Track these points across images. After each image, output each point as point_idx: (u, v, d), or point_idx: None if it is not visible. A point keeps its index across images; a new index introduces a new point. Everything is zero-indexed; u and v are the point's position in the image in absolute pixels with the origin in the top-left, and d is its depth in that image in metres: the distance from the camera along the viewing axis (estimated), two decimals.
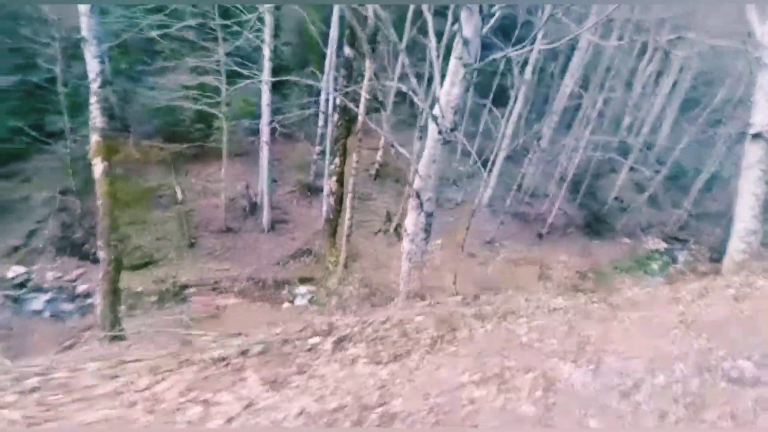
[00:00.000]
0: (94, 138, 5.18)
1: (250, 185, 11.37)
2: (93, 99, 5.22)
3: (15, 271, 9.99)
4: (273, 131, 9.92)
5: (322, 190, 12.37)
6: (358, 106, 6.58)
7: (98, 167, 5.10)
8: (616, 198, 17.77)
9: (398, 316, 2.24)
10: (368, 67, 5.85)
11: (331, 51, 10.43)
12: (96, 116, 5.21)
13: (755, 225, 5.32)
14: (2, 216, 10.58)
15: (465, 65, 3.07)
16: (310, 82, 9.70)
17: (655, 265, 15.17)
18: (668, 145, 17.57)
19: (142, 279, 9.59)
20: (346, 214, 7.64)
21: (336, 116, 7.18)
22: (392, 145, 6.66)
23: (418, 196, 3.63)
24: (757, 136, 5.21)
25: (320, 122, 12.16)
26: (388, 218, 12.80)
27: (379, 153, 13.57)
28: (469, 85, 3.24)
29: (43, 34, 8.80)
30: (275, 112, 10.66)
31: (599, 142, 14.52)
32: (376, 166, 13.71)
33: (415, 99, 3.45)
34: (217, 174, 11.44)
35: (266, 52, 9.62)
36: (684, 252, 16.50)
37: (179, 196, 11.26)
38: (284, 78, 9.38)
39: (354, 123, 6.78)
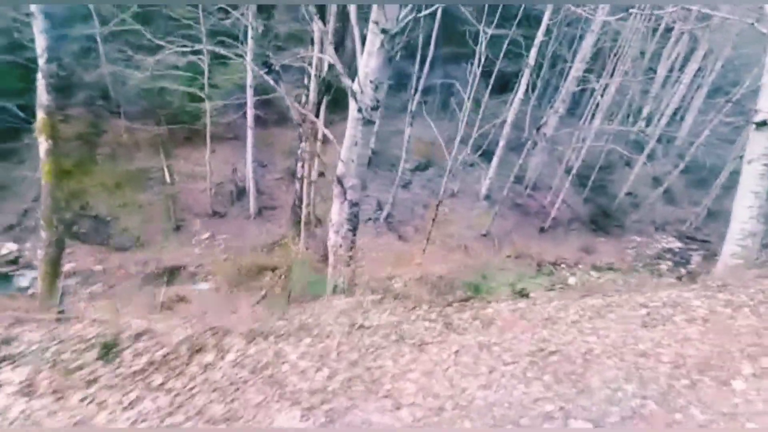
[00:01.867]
0: (40, 115, 5.03)
1: (238, 169, 11.20)
2: (39, 75, 5.05)
3: (8, 248, 10.28)
4: (257, 115, 9.63)
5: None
6: (325, 84, 6.20)
7: (43, 146, 4.95)
8: (629, 193, 16.71)
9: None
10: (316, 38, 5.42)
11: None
12: (41, 93, 5.04)
13: (754, 226, 4.68)
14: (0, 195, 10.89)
15: (382, 31, 2.63)
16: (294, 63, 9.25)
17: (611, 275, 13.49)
18: (690, 138, 16.30)
19: (123, 261, 9.66)
20: (305, 201, 7.31)
21: (310, 91, 6.76)
22: (310, 126, 6.24)
23: (340, 182, 3.25)
24: (762, 124, 4.52)
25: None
26: (378, 207, 12.44)
27: (372, 139, 13.10)
28: (390, 56, 2.80)
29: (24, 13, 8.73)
30: (263, 93, 10.37)
31: (610, 133, 13.56)
32: (369, 152, 13.26)
33: (339, 72, 3.04)
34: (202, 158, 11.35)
35: (249, 30, 9.29)
36: (700, 252, 15.42)
37: (167, 179, 11.25)
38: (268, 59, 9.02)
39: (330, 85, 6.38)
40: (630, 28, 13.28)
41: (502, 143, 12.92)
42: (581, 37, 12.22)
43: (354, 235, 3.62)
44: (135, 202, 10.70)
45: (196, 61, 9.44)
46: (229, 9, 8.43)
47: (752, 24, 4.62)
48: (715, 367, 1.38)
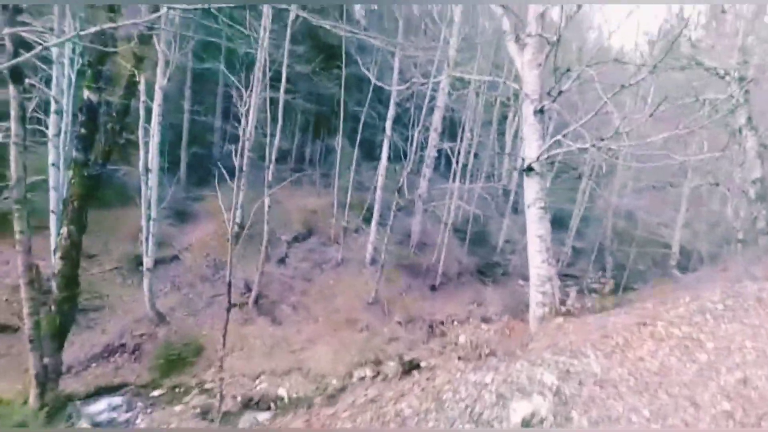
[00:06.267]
0: None
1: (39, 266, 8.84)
2: None
3: None
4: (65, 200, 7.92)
5: (157, 263, 10.27)
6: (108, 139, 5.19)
7: None
8: (507, 241, 18.17)
9: None
10: None
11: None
12: None
13: (547, 270, 4.68)
14: None
15: None
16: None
17: None
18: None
19: None
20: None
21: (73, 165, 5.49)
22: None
23: None
24: (529, 170, 4.83)
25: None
26: (247, 289, 10.92)
27: (237, 213, 12.03)
28: None
29: None
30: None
31: (473, 189, 14.82)
32: (235, 228, 12.04)
33: None
34: (9, 252, 8.84)
35: (53, 104, 8.08)
36: (574, 288, 16.90)
37: None
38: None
39: (98, 178, 5.28)
40: (470, 103, 15.52)
41: (377, 207, 13.03)
42: (431, 110, 13.72)
43: None
44: None
45: None
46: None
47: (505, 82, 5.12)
48: None
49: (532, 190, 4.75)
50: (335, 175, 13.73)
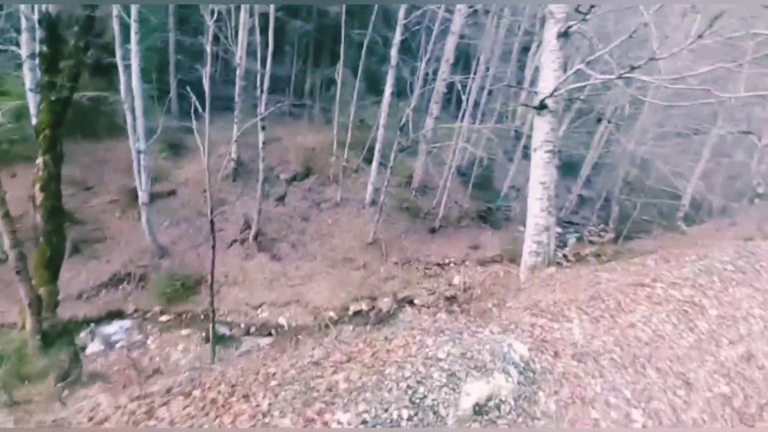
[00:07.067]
0: None
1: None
2: None
3: None
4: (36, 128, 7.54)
5: (155, 197, 10.20)
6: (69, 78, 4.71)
7: None
8: (512, 186, 17.67)
9: None
10: None
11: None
12: None
13: (546, 220, 4.39)
14: None
15: None
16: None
17: None
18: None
19: None
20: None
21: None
22: None
23: None
24: (542, 107, 4.27)
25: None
26: (247, 225, 10.96)
27: (233, 148, 11.60)
28: None
29: None
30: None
31: (481, 131, 13.94)
32: (232, 164, 11.74)
33: None
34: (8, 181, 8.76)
35: (23, 20, 7.28)
36: (575, 235, 16.83)
37: None
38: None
39: (67, 103, 4.85)
40: (487, 30, 13.84)
41: (378, 146, 12.41)
42: (443, 35, 12.27)
43: None
44: None
45: None
46: None
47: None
48: None
49: (542, 131, 4.26)
50: (335, 110, 12.86)
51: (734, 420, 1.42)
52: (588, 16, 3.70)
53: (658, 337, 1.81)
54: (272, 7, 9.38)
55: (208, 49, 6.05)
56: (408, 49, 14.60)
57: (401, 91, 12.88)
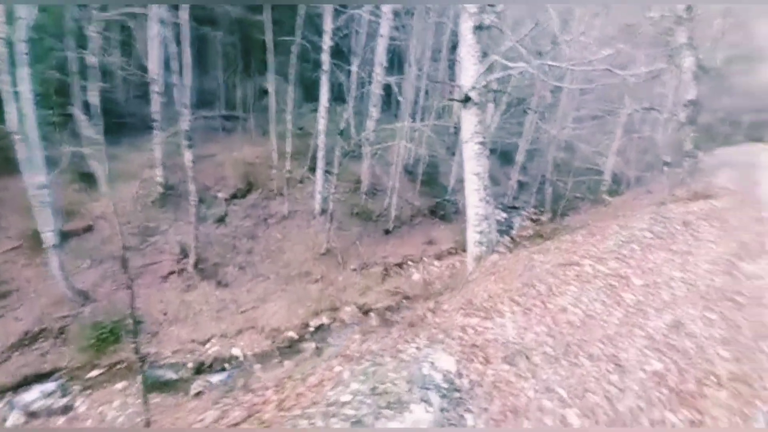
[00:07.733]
0: None
1: None
2: None
3: None
4: None
5: (67, 235, 8.93)
6: None
7: None
8: (459, 180, 18.30)
9: None
10: None
11: None
12: None
13: (485, 209, 4.45)
14: None
15: None
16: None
17: None
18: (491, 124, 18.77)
19: None
20: None
21: None
22: None
23: None
24: (467, 99, 4.34)
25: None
26: (184, 253, 10.02)
27: (158, 171, 10.56)
28: None
29: None
30: None
31: (422, 129, 14.20)
32: (159, 189, 10.67)
33: None
34: None
35: None
36: (518, 219, 17.87)
37: None
38: None
39: None
40: (416, 31, 14.16)
41: (321, 154, 12.08)
42: (373, 39, 12.29)
43: None
44: None
45: None
46: None
47: None
48: None
49: (470, 123, 4.31)
50: (271, 120, 12.31)
51: (673, 402, 1.40)
52: (498, 9, 3.81)
53: (589, 317, 1.81)
54: (182, 15, 8.68)
55: (94, 60, 5.33)
56: (341, 54, 14.45)
57: (338, 96, 12.70)
